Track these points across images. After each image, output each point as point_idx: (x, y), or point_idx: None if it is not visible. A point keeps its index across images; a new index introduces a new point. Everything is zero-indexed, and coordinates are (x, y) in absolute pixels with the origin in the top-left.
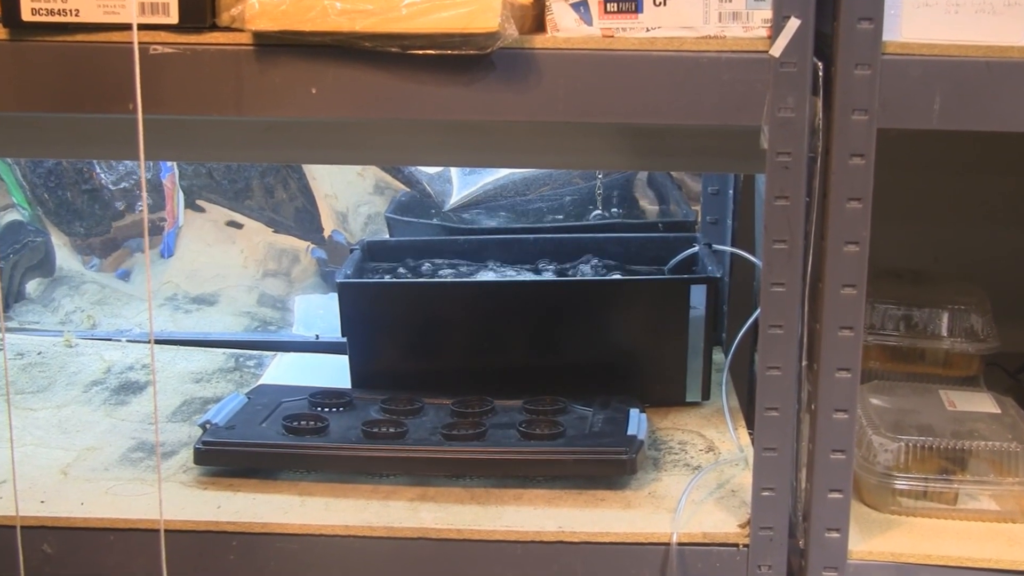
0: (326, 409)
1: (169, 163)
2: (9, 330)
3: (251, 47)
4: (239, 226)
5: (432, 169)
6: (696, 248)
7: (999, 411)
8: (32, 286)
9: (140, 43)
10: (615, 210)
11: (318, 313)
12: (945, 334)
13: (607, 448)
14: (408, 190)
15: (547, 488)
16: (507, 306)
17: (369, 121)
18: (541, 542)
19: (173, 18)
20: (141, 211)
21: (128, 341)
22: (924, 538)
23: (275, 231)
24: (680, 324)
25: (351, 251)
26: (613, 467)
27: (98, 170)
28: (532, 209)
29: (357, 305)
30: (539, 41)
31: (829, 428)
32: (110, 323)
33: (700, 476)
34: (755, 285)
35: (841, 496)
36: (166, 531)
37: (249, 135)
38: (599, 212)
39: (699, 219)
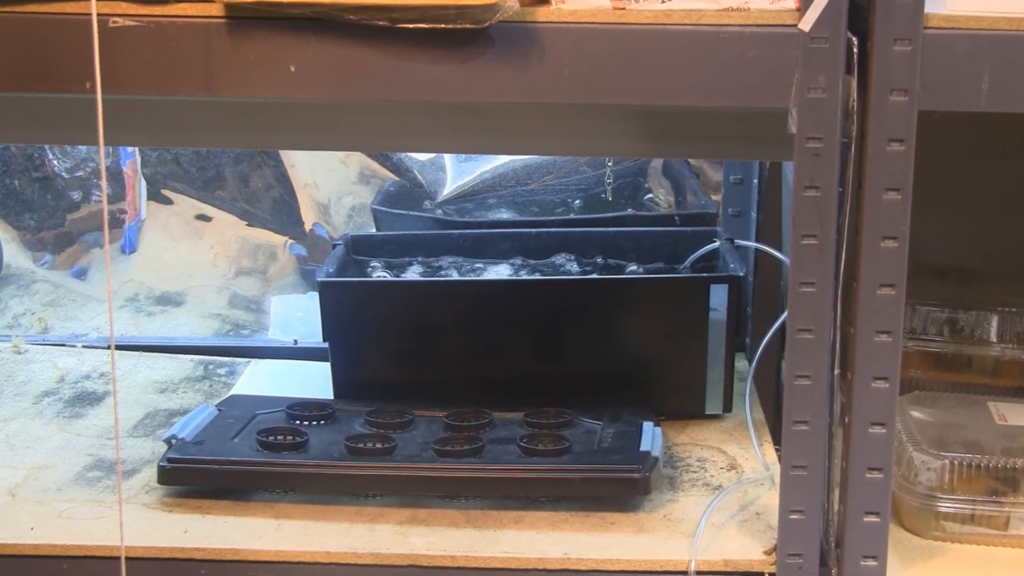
0: (305, 422)
1: (131, 148)
2: None
3: (222, 20)
4: (209, 219)
5: (424, 156)
6: (716, 243)
7: None
8: None
9: (98, 15)
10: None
11: (297, 315)
12: (995, 339)
13: (618, 466)
14: (397, 179)
15: (551, 510)
16: (507, 308)
17: (354, 103)
18: (544, 570)
19: None
20: (99, 202)
21: (84, 347)
22: (971, 567)
23: (249, 224)
24: (699, 328)
25: (333, 246)
26: (624, 487)
27: (50, 156)
28: (535, 200)
29: (340, 307)
30: (542, 14)
31: (865, 444)
32: (64, 327)
33: (721, 497)
34: (782, 285)
35: (878, 520)
36: (127, 558)
37: (220, 118)
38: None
39: (720, 211)
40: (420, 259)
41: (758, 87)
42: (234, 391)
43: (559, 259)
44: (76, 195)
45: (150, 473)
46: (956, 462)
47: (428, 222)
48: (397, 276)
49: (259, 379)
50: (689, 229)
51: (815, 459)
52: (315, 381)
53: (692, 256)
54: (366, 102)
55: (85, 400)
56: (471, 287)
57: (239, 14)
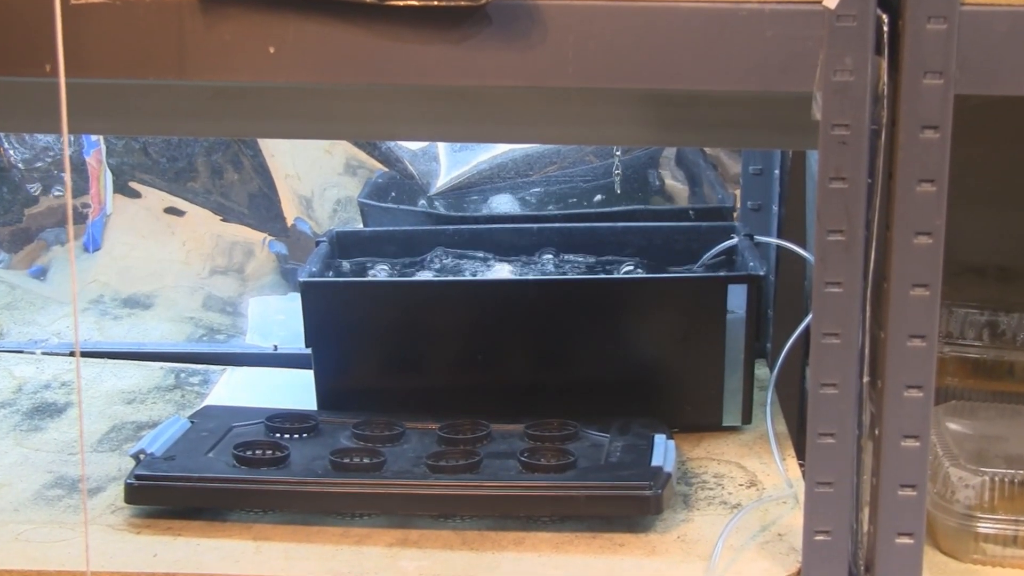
0: (286, 435)
1: (95, 137)
2: None
3: None
4: (180, 213)
5: (415, 145)
6: (735, 240)
7: None
8: None
9: None
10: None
11: (277, 319)
12: None
13: (627, 482)
14: (386, 170)
15: (554, 531)
16: (506, 310)
17: (339, 87)
18: None
19: None
20: (60, 196)
21: (44, 353)
22: None
23: (224, 220)
24: (715, 332)
25: (317, 244)
26: (634, 505)
27: (7, 146)
28: (536, 193)
29: (324, 309)
30: None
31: (897, 458)
32: (21, 332)
33: (740, 516)
34: (806, 285)
35: (912, 541)
36: None
37: (193, 103)
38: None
39: (738, 205)
40: (411, 257)
41: (779, 69)
42: (208, 401)
43: (563, 257)
44: (35, 188)
45: (116, 491)
46: (997, 478)
47: (420, 217)
48: (386, 276)
49: (235, 388)
50: (705, 224)
51: (842, 475)
52: (297, 390)
53: (708, 254)
54: (352, 86)
55: (45, 412)
56: (467, 287)
57: None
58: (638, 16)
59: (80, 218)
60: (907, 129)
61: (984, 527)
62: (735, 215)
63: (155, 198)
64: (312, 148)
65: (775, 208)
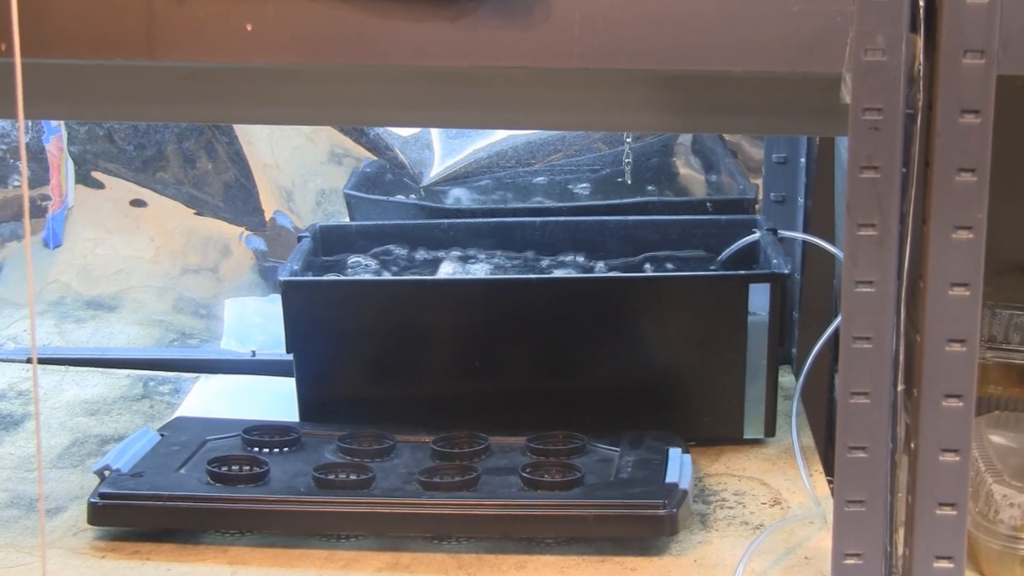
0: (265, 449)
1: (55, 123)
2: None
3: None
4: (148, 206)
5: (406, 132)
6: (757, 235)
7: None
8: None
9: None
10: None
11: (255, 322)
12: None
13: (639, 501)
14: (374, 159)
15: (559, 554)
16: (506, 312)
17: (323, 68)
18: None
19: None
20: (17, 186)
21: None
22: None
23: (197, 213)
24: (736, 336)
25: (299, 239)
26: (647, 526)
27: None
28: (538, 184)
29: (307, 311)
30: None
31: (935, 474)
32: None
33: (763, 538)
34: (835, 284)
35: (951, 565)
36: None
37: (163, 86)
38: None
39: (760, 197)
40: (402, 254)
41: (806, 48)
42: (179, 413)
43: (569, 254)
44: None
45: (79, 511)
46: None
47: (412, 210)
48: (374, 274)
49: (210, 398)
50: (724, 218)
51: (875, 493)
52: (277, 400)
53: (728, 250)
54: (337, 67)
55: (0, 424)
56: (463, 287)
57: None
58: None
59: (39, 211)
60: (945, 113)
61: None
62: (757, 208)
63: (121, 189)
64: (293, 135)
65: (801, 200)
